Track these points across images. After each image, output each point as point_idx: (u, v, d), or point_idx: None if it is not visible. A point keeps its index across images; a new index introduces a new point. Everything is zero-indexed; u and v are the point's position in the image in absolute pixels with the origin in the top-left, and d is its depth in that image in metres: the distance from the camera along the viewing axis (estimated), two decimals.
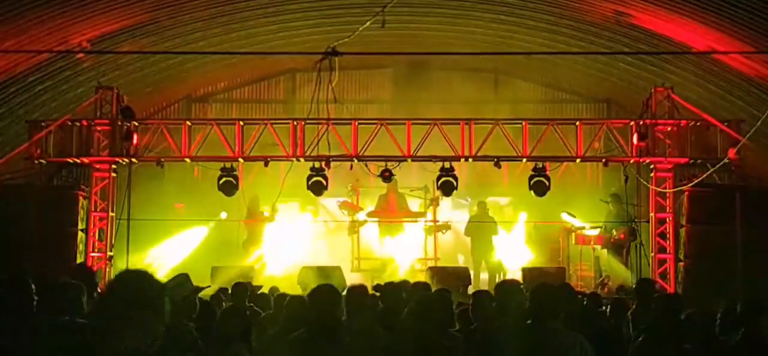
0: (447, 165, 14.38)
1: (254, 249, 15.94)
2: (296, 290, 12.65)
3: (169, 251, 15.79)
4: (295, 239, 16.61)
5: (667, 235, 14.52)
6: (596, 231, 15.48)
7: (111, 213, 14.68)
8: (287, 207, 16.86)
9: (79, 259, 14.25)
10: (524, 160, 14.56)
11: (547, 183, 14.34)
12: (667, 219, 14.57)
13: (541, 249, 16.94)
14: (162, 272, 15.04)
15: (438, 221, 16.40)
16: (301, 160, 14.46)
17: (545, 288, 5.62)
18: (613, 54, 15.73)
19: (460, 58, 17.53)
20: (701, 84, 15.65)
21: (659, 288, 13.98)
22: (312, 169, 14.38)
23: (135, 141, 14.38)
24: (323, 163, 14.28)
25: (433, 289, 7.77)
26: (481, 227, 15.90)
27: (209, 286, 9.52)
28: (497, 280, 15.29)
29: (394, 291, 6.96)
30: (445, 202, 16.39)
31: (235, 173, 14.47)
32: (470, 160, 14.63)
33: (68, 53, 14.22)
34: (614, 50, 15.43)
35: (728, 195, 14.02)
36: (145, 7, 14.04)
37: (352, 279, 15.31)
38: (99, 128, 14.50)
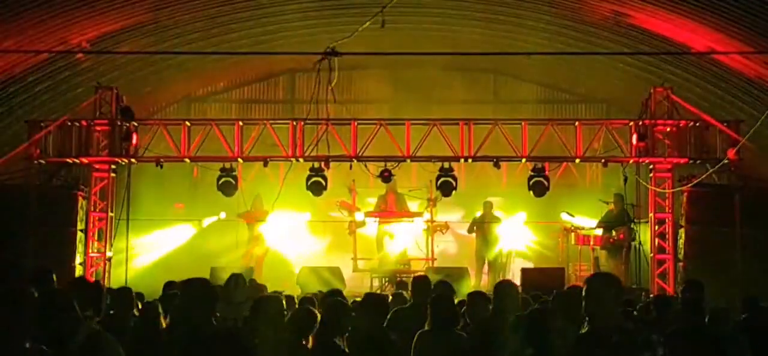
0: (446, 165, 14.39)
1: (257, 249, 15.98)
2: (295, 290, 12.69)
3: (158, 243, 15.80)
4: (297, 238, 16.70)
5: (667, 236, 14.52)
6: (598, 230, 15.46)
7: (110, 214, 14.68)
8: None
9: (79, 259, 14.26)
10: (523, 160, 14.56)
11: (546, 183, 14.35)
12: (666, 220, 14.57)
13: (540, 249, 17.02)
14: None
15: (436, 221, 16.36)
16: (301, 160, 14.47)
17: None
18: (613, 54, 15.73)
19: (460, 58, 17.53)
20: (700, 84, 15.67)
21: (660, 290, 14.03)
22: (311, 169, 14.39)
23: (134, 141, 14.38)
24: (322, 163, 14.28)
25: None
26: (485, 226, 15.88)
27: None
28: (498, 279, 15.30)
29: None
30: None
31: (234, 173, 14.47)
32: (469, 160, 14.64)
33: (68, 53, 14.23)
34: (614, 50, 15.44)
35: (727, 196, 14.01)
36: (145, 7, 14.05)
37: (351, 279, 15.35)
38: (98, 128, 14.49)
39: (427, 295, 7.13)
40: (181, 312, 5.21)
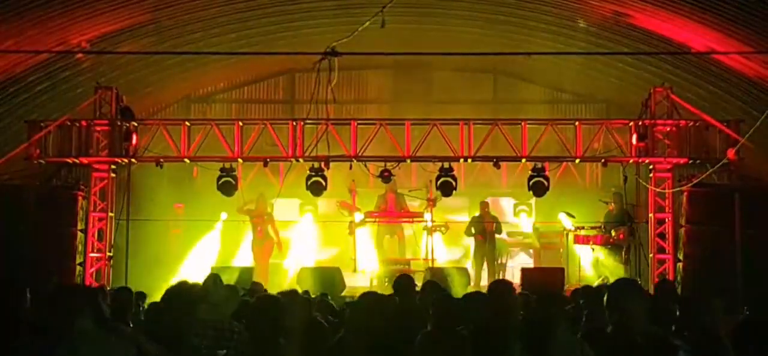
0: (446, 165, 14.39)
1: (262, 248, 16.06)
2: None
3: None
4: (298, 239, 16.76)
5: (666, 235, 14.52)
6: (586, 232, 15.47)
7: (110, 214, 14.67)
8: (286, 206, 16.95)
9: (78, 259, 14.26)
10: (523, 160, 14.56)
11: (546, 183, 14.35)
12: (666, 220, 14.57)
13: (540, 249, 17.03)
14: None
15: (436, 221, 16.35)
16: (301, 160, 14.47)
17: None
18: (613, 54, 15.73)
19: (460, 58, 17.53)
20: (700, 84, 15.65)
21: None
22: (311, 169, 14.39)
23: (134, 141, 14.38)
24: (322, 164, 14.28)
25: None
26: (482, 227, 15.88)
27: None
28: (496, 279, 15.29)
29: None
30: None
31: (234, 173, 14.47)
32: (469, 160, 14.64)
33: (68, 53, 14.23)
34: (614, 50, 15.44)
35: (727, 196, 14.02)
36: (145, 7, 14.05)
37: (351, 279, 15.34)
38: (98, 128, 14.48)
39: (411, 295, 7.14)
40: (157, 315, 5.23)
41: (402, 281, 7.77)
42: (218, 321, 5.88)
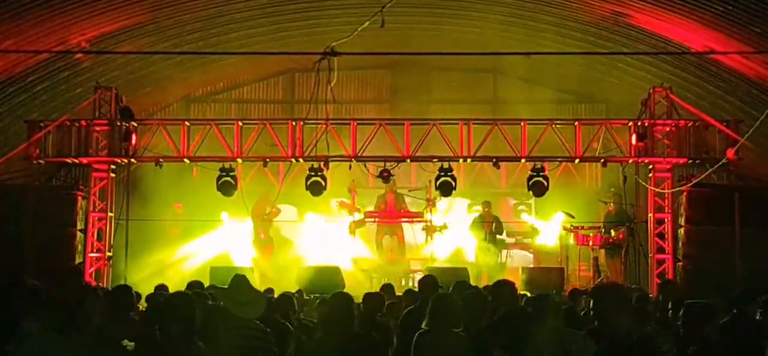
0: (446, 165, 14.39)
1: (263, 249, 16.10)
2: (294, 289, 12.65)
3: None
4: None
5: (666, 235, 14.52)
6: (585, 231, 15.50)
7: (110, 214, 14.68)
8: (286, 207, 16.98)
9: (78, 259, 14.26)
10: (523, 160, 14.57)
11: (545, 183, 14.35)
12: (666, 220, 14.56)
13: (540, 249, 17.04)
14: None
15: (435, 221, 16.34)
16: (300, 160, 14.47)
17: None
18: (612, 54, 15.74)
19: (460, 58, 17.53)
20: (700, 84, 15.66)
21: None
22: (311, 169, 14.40)
23: (134, 141, 14.39)
24: (322, 164, 14.29)
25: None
26: (484, 227, 15.87)
27: None
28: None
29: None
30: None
31: (233, 173, 14.47)
32: (469, 160, 14.65)
33: (67, 53, 14.24)
34: (613, 50, 15.44)
35: (727, 196, 14.02)
36: (145, 7, 14.06)
37: (351, 279, 15.33)
38: (98, 128, 14.50)
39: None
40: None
41: (427, 280, 7.86)
42: (250, 322, 5.86)
